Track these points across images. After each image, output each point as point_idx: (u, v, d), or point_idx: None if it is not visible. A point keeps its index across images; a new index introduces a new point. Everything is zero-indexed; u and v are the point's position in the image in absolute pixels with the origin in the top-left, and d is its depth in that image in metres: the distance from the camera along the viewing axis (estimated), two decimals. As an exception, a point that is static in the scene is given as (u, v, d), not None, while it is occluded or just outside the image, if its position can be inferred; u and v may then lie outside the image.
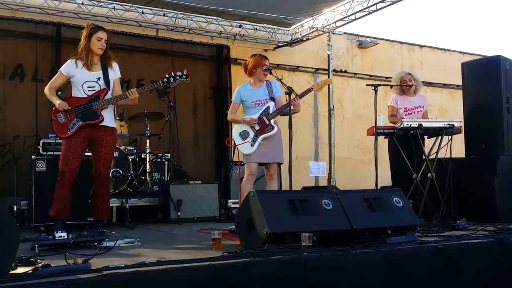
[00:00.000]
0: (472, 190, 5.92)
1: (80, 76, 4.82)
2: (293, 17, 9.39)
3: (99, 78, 4.86)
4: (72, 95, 4.87)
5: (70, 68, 4.85)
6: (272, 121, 5.34)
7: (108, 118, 4.90)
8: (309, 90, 5.51)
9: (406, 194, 5.12)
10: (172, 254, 3.81)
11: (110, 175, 6.50)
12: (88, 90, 4.82)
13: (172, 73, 5.18)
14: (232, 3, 8.52)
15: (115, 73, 5.00)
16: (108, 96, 4.88)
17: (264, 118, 5.35)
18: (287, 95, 5.11)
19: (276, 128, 5.35)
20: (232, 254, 3.49)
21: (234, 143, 5.42)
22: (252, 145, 5.31)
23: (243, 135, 5.37)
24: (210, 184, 6.89)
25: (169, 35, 9.14)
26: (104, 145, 4.84)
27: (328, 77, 9.29)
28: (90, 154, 4.95)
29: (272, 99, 5.42)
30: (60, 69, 4.91)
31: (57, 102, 4.77)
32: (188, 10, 8.76)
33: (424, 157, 5.83)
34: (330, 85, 9.24)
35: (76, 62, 4.86)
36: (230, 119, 5.58)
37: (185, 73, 5.19)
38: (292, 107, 5.18)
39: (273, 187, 5.43)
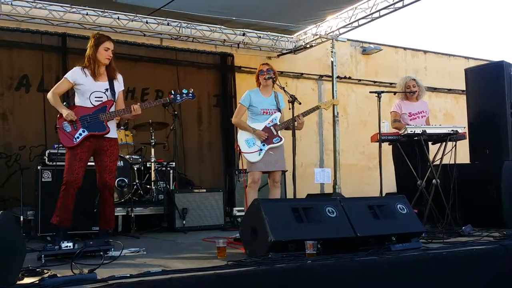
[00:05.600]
0: (477, 196, 5.92)
1: (89, 86, 4.82)
2: (296, 25, 9.43)
3: (107, 89, 4.88)
4: (76, 104, 4.88)
5: (77, 75, 4.84)
6: (279, 132, 5.39)
7: (113, 129, 4.93)
8: (316, 108, 5.60)
9: (411, 201, 5.12)
10: (177, 263, 3.82)
11: (116, 184, 6.55)
12: (95, 100, 4.84)
13: (178, 90, 5.19)
14: (235, 12, 8.57)
15: (120, 85, 5.03)
16: (113, 107, 4.91)
17: (272, 128, 5.40)
18: (290, 103, 5.14)
19: (283, 139, 5.39)
20: (237, 263, 3.50)
21: (240, 149, 5.43)
22: (259, 154, 5.33)
23: (249, 142, 5.38)
24: (215, 192, 6.90)
25: (173, 44, 9.19)
26: (109, 154, 4.87)
27: (332, 83, 9.36)
28: (93, 164, 4.96)
29: (279, 110, 5.48)
30: (66, 76, 4.90)
31: (64, 112, 4.73)
32: (191, 19, 8.82)
33: (428, 163, 5.83)
34: (335, 91, 9.29)
35: (83, 70, 4.85)
36: (236, 123, 5.55)
37: (191, 91, 5.20)
38: (295, 124, 5.26)
39: (277, 194, 5.45)
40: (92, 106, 4.83)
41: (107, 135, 4.86)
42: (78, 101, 4.90)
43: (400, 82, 6.48)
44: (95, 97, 4.85)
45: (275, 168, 5.40)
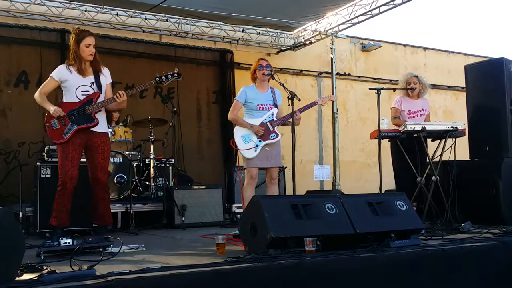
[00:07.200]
0: (476, 193, 5.90)
1: (74, 81, 4.80)
2: (296, 21, 9.40)
3: (92, 83, 4.86)
4: (64, 100, 4.87)
5: (62, 73, 4.82)
6: (276, 128, 5.36)
7: (102, 123, 4.90)
8: (313, 104, 5.56)
9: (410, 198, 5.12)
10: (176, 259, 3.82)
11: (115, 181, 6.55)
12: (82, 94, 4.82)
13: (163, 72, 5.17)
14: (234, 8, 8.55)
15: (106, 78, 4.99)
16: (100, 99, 4.87)
17: (269, 124, 5.37)
18: (290, 100, 5.12)
19: (279, 136, 5.36)
20: (236, 259, 3.50)
21: (235, 146, 5.40)
22: (255, 150, 5.30)
23: (245, 138, 5.34)
24: (214, 189, 6.90)
25: (172, 40, 9.17)
26: (100, 151, 4.84)
27: (332, 80, 9.34)
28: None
29: (276, 106, 5.45)
30: (51, 75, 4.88)
31: (51, 108, 4.73)
32: (191, 16, 8.79)
33: (428, 160, 5.82)
34: (334, 88, 9.27)
35: (68, 68, 4.83)
36: (232, 119, 5.47)
37: (176, 71, 5.17)
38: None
39: (275, 191, 5.44)
40: (79, 100, 4.81)
41: (98, 130, 4.83)
42: (65, 98, 4.88)
43: (402, 78, 6.46)
44: (81, 91, 4.82)
45: (272, 165, 5.38)
